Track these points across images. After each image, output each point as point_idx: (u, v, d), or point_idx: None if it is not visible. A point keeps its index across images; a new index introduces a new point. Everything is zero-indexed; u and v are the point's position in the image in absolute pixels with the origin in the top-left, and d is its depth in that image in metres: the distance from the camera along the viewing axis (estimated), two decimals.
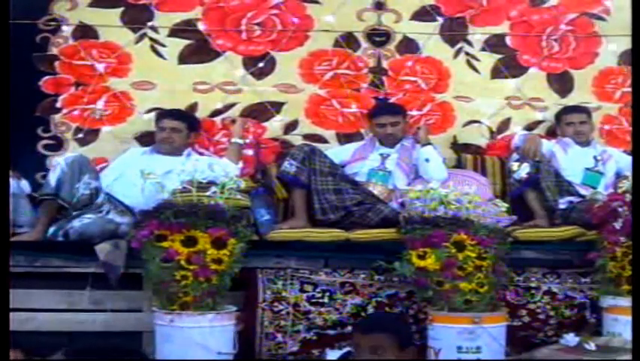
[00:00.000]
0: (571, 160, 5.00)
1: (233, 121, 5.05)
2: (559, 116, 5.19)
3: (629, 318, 3.60)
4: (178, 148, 4.74)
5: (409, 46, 5.37)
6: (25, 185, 4.60)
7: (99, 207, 4.33)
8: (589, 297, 4.28)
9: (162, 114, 4.90)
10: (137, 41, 5.21)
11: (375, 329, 3.10)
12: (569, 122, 5.11)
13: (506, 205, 4.42)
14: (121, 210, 4.38)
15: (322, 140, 5.17)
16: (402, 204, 4.60)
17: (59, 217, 4.37)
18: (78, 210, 4.30)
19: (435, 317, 3.93)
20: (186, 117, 4.89)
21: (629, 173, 4.40)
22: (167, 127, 4.76)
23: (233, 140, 4.92)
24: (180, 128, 4.76)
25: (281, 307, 4.17)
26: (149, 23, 5.20)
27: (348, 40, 5.32)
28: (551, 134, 5.25)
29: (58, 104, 5.07)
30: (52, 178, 4.32)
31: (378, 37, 5.37)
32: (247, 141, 5.04)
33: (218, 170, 4.16)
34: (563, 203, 4.73)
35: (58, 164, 4.39)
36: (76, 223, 4.25)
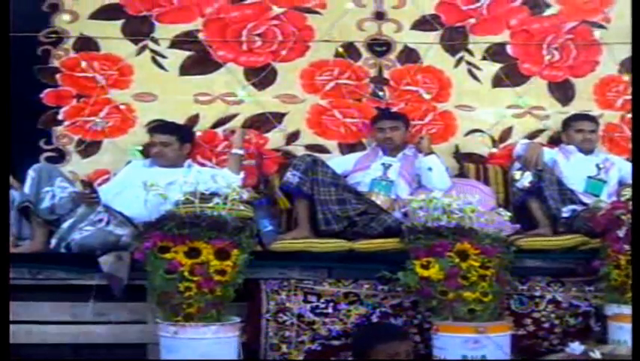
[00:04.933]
0: (573, 168, 4.99)
1: (233, 132, 5.05)
2: (567, 122, 5.18)
3: None
4: (173, 161, 4.71)
5: (409, 55, 5.37)
6: None
7: (98, 219, 4.33)
8: (593, 305, 4.28)
9: (152, 129, 4.89)
10: (138, 53, 5.21)
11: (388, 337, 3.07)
12: (579, 129, 5.09)
13: (509, 214, 4.42)
14: (121, 220, 4.36)
15: (324, 150, 5.17)
16: (405, 214, 4.59)
17: (54, 228, 4.36)
18: (57, 216, 4.33)
19: (439, 326, 3.92)
20: (176, 130, 4.83)
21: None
22: (158, 142, 4.74)
23: (233, 150, 4.91)
24: (170, 142, 4.72)
25: (285, 318, 4.17)
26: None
27: (346, 48, 5.32)
28: (553, 142, 5.24)
29: (60, 117, 5.07)
30: (26, 187, 4.36)
31: (379, 47, 5.38)
32: (248, 151, 5.03)
33: (221, 181, 4.15)
34: (566, 211, 4.71)
35: (28, 174, 4.40)
36: (76, 235, 4.25)
